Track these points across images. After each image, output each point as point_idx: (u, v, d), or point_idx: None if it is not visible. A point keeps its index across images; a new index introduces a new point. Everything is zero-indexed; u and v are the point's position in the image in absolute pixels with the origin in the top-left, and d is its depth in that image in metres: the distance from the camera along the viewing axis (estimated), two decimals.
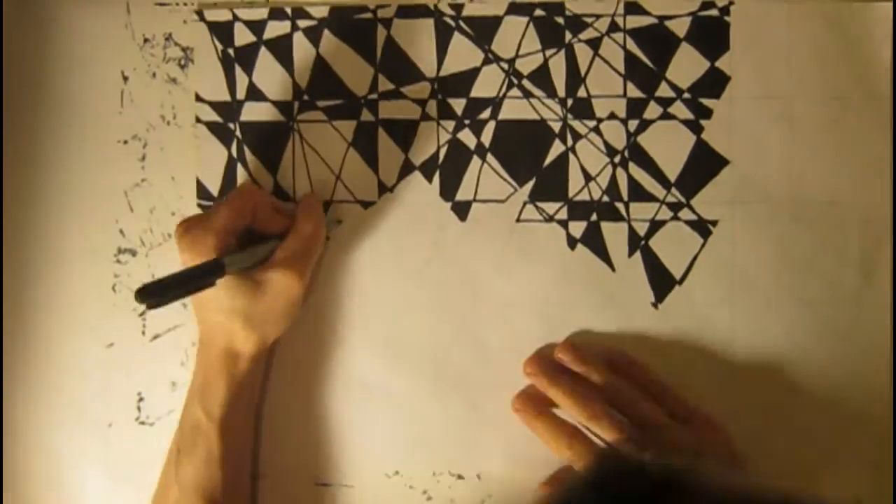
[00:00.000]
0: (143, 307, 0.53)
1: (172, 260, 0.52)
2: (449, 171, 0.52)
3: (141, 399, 0.53)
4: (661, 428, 0.47)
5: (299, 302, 0.48)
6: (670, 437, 0.47)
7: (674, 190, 0.52)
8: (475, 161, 0.52)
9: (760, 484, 0.29)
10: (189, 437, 0.48)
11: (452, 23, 0.52)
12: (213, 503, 0.48)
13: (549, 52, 0.52)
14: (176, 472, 0.48)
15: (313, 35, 0.52)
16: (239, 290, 0.46)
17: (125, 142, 0.53)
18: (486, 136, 0.52)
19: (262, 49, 0.52)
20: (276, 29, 0.52)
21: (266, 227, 0.49)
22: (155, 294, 0.42)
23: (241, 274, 0.46)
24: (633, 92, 0.52)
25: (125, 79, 0.53)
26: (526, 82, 0.52)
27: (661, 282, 0.52)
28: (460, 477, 0.52)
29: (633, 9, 0.52)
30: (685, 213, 0.52)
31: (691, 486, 0.29)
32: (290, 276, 0.47)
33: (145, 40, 0.53)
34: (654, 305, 0.52)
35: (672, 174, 0.52)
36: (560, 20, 0.52)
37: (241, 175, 0.53)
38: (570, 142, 0.52)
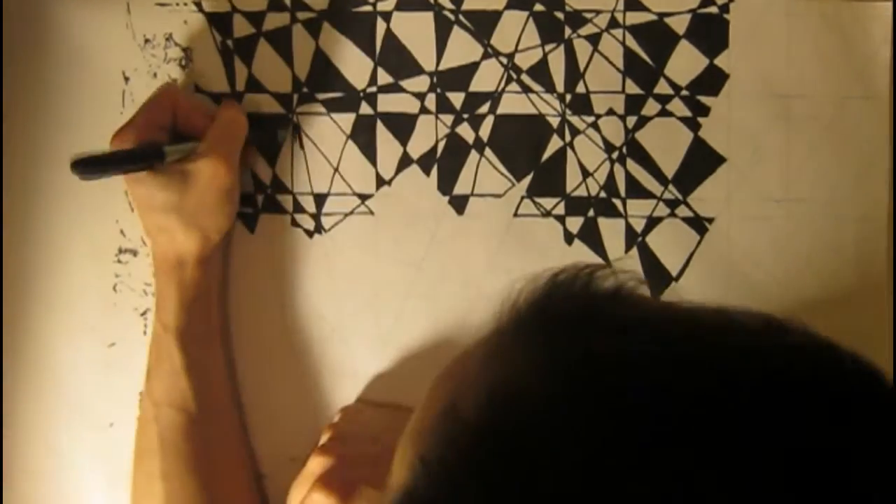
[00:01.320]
0: (145, 307, 0.53)
1: None
2: (447, 164, 0.52)
3: (141, 399, 0.53)
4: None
5: (231, 190, 0.49)
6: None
7: (671, 187, 0.52)
8: (473, 155, 0.52)
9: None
10: (154, 352, 0.49)
11: (452, 17, 0.52)
12: (187, 412, 0.48)
13: (548, 48, 0.52)
14: (148, 389, 0.49)
15: (313, 27, 0.52)
16: (169, 183, 0.47)
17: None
18: (485, 131, 0.52)
19: (262, 41, 0.52)
20: (275, 20, 0.52)
21: (190, 125, 0.49)
22: (91, 166, 0.44)
23: (170, 169, 0.47)
24: (632, 88, 0.52)
25: (126, 79, 0.53)
26: (525, 77, 0.52)
27: (658, 278, 0.52)
28: None
29: (633, 5, 0.52)
30: (682, 210, 0.52)
31: (639, 297, 0.30)
32: (215, 163, 0.47)
33: (146, 41, 0.53)
34: None
35: (669, 171, 0.52)
36: (560, 15, 0.52)
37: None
38: (568, 137, 0.52)
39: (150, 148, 0.46)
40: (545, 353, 0.27)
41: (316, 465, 0.46)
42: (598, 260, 0.52)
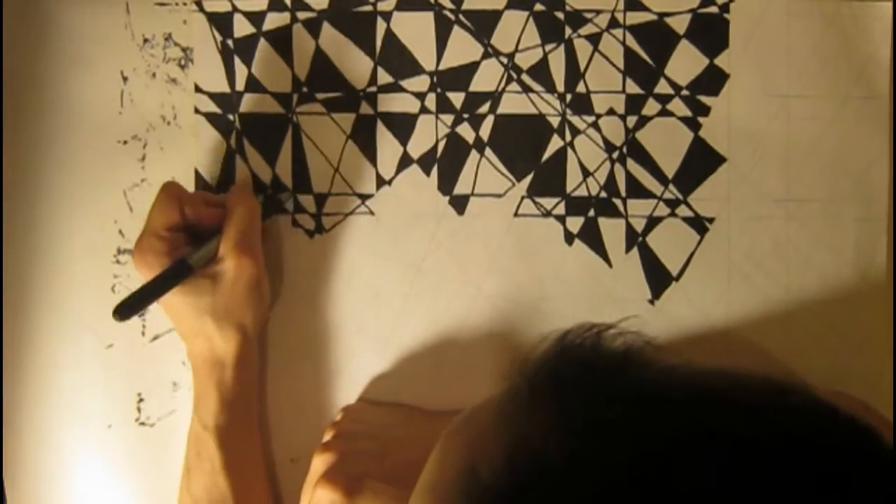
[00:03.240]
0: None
1: None
2: (447, 164, 0.52)
3: (141, 400, 0.53)
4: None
5: (260, 281, 0.49)
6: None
7: (671, 186, 0.52)
8: (473, 155, 0.52)
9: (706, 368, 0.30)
10: (193, 450, 0.49)
11: (452, 16, 0.52)
12: None
13: (548, 47, 0.52)
14: (187, 485, 0.49)
15: (313, 27, 0.52)
16: (198, 288, 0.47)
17: (125, 142, 0.53)
18: (485, 131, 0.52)
19: (262, 40, 0.52)
20: (275, 20, 0.52)
21: (203, 220, 0.49)
22: (134, 308, 0.45)
23: (196, 274, 0.47)
24: (632, 88, 0.52)
25: (125, 79, 0.53)
26: (525, 77, 0.52)
27: (658, 278, 0.52)
28: None
29: (634, 5, 0.52)
30: (682, 210, 0.52)
31: (648, 358, 0.30)
32: (239, 260, 0.47)
33: (145, 40, 0.53)
34: (651, 302, 0.52)
35: (670, 171, 0.52)
36: (560, 15, 0.52)
37: (239, 167, 0.53)
38: (568, 137, 0.52)
39: (177, 267, 0.47)
40: (559, 419, 0.28)
41: (319, 462, 0.46)
42: (598, 260, 0.52)
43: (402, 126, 0.52)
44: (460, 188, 0.52)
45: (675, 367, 0.30)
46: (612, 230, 0.52)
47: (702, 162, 0.52)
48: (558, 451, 0.27)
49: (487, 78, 0.52)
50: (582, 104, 0.52)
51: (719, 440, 0.26)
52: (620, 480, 0.25)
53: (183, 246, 0.48)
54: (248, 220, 0.49)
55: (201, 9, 0.52)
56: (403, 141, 0.52)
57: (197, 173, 0.53)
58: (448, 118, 0.52)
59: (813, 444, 0.26)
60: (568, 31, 0.52)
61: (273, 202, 0.52)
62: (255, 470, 0.51)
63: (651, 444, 0.26)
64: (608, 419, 0.27)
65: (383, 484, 0.43)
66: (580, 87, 0.52)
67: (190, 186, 0.53)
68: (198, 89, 0.53)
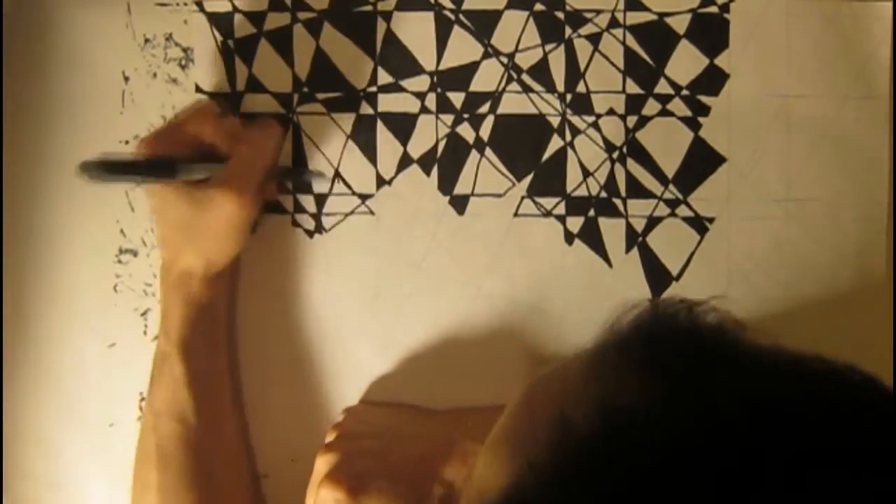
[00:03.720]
0: (145, 307, 0.53)
1: None
2: (447, 164, 0.52)
3: (142, 399, 0.53)
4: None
5: (242, 225, 0.48)
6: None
7: (671, 186, 0.52)
8: (474, 155, 0.52)
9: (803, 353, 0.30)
10: (157, 363, 0.49)
11: (452, 16, 0.52)
12: (186, 423, 0.48)
13: (548, 47, 0.52)
14: (149, 398, 0.49)
15: (313, 27, 0.52)
16: (181, 202, 0.47)
17: (126, 142, 0.53)
18: (485, 131, 0.52)
19: (262, 40, 0.52)
20: (276, 20, 0.52)
21: (221, 146, 0.48)
22: (99, 169, 0.44)
23: (186, 188, 0.47)
24: (632, 88, 0.52)
25: (126, 79, 0.53)
26: (525, 77, 0.52)
27: (658, 278, 0.52)
28: None
29: (634, 5, 0.52)
30: (682, 210, 0.52)
31: (739, 335, 0.31)
32: (227, 196, 0.47)
33: (146, 41, 0.53)
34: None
35: (670, 171, 0.52)
36: (560, 15, 0.52)
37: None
38: (568, 137, 0.52)
39: (162, 161, 0.46)
40: (657, 378, 0.28)
41: (322, 463, 0.46)
42: (598, 260, 0.52)
43: (403, 126, 0.52)
44: (460, 188, 0.52)
45: (770, 345, 0.30)
46: (612, 230, 0.52)
47: (702, 162, 0.52)
48: (656, 411, 0.27)
49: (487, 78, 0.52)
50: (582, 104, 0.52)
51: (812, 410, 0.26)
52: (717, 447, 0.25)
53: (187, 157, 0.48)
54: (255, 159, 0.48)
55: (202, 9, 0.52)
56: (403, 141, 0.52)
57: None
58: (448, 118, 0.52)
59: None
60: (568, 30, 0.52)
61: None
62: (218, 386, 0.50)
63: (751, 414, 0.26)
64: (708, 380, 0.27)
65: (387, 482, 0.43)
66: (580, 87, 0.52)
67: None
68: (198, 89, 0.53)
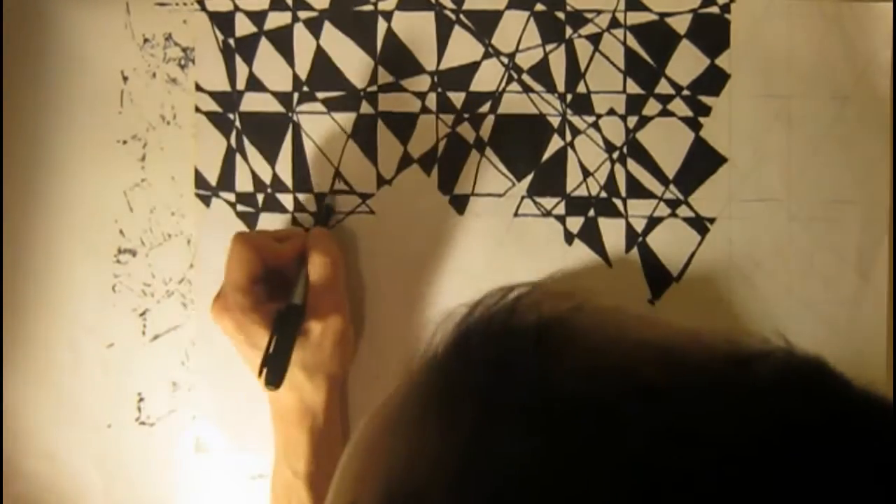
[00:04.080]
0: (144, 307, 0.53)
1: (172, 260, 0.53)
2: (448, 164, 0.52)
3: (141, 399, 0.53)
4: None
5: (346, 334, 0.48)
6: None
7: (672, 187, 0.52)
8: (474, 155, 0.52)
9: (658, 329, 0.23)
10: (283, 497, 0.49)
11: (453, 16, 0.52)
12: None
13: (549, 47, 0.52)
14: None
15: (314, 26, 0.52)
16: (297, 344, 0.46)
17: (125, 142, 0.53)
18: (486, 131, 0.52)
19: (263, 40, 0.52)
20: (276, 19, 0.52)
21: (279, 260, 0.48)
22: (282, 371, 0.44)
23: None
24: (633, 88, 0.52)
25: (125, 79, 0.53)
26: (526, 77, 0.52)
27: (658, 279, 0.52)
28: None
29: (634, 5, 0.52)
30: (683, 210, 0.52)
31: (567, 338, 0.23)
32: (326, 315, 0.47)
33: (145, 40, 0.53)
34: (651, 302, 0.52)
35: (670, 171, 0.52)
36: (561, 15, 0.52)
37: (239, 166, 0.53)
38: (568, 137, 0.52)
39: (292, 314, 0.46)
40: (448, 441, 0.22)
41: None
42: (598, 260, 0.52)
43: (403, 125, 0.52)
44: (460, 188, 0.52)
45: (601, 350, 0.23)
46: (612, 230, 0.52)
47: (702, 162, 0.52)
48: (441, 488, 0.21)
49: (488, 78, 0.52)
50: (582, 104, 0.52)
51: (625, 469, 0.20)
52: None
53: (261, 294, 0.47)
54: (332, 271, 0.48)
55: (203, 7, 0.52)
56: (404, 140, 0.52)
57: (197, 172, 0.53)
58: (448, 118, 0.52)
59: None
60: (569, 31, 0.52)
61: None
62: None
63: (534, 481, 0.20)
64: (500, 443, 0.21)
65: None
66: (581, 88, 0.52)
67: (189, 185, 0.53)
68: (198, 88, 0.53)
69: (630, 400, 0.21)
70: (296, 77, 0.52)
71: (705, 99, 0.52)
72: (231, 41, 0.53)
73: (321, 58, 0.52)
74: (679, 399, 0.21)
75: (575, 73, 0.52)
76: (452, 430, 0.22)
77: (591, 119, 0.52)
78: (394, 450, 0.24)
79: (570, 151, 0.52)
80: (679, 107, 0.52)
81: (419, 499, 0.22)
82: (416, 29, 0.52)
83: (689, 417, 0.20)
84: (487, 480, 0.21)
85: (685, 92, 0.52)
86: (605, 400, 0.21)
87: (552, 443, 0.21)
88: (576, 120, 0.52)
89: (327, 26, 0.52)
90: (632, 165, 0.52)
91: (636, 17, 0.52)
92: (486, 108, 0.52)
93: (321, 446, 0.48)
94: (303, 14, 0.52)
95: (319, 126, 0.52)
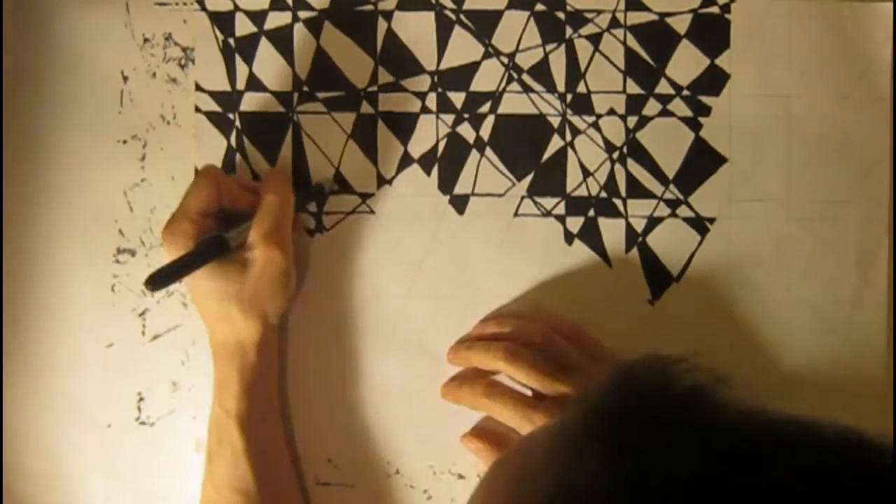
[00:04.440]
0: (143, 307, 0.53)
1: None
2: (448, 164, 0.52)
3: (141, 399, 0.53)
4: (579, 366, 0.48)
5: (288, 274, 0.49)
6: (590, 375, 0.47)
7: (672, 187, 0.52)
8: (474, 155, 0.52)
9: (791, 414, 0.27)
10: (214, 436, 0.49)
11: (453, 16, 0.52)
12: (249, 496, 0.48)
13: (549, 47, 0.52)
14: (210, 473, 0.49)
15: (314, 26, 0.52)
16: (226, 273, 0.47)
17: (125, 142, 0.53)
18: (486, 130, 0.52)
19: (263, 39, 0.52)
20: (276, 19, 0.52)
21: (238, 205, 0.49)
22: (166, 279, 0.45)
23: (224, 259, 0.47)
24: (633, 88, 0.52)
25: (125, 79, 0.53)
26: (526, 77, 0.52)
27: (658, 279, 0.52)
28: (461, 476, 0.52)
29: (634, 5, 0.52)
30: (683, 211, 0.52)
31: (720, 397, 0.28)
32: (270, 250, 0.47)
33: (145, 40, 0.53)
34: (651, 302, 0.52)
35: (670, 171, 0.52)
36: (561, 15, 0.52)
37: (239, 165, 0.53)
38: (568, 137, 0.52)
39: (214, 242, 0.46)
40: (611, 463, 0.26)
41: None
42: (598, 260, 0.52)
43: (403, 125, 0.52)
44: (460, 188, 0.52)
45: (746, 413, 0.28)
46: (612, 230, 0.52)
47: (702, 162, 0.52)
48: (608, 495, 0.25)
49: (488, 78, 0.52)
50: (582, 104, 0.52)
51: (786, 500, 0.24)
52: None
53: (212, 229, 0.48)
54: (280, 209, 0.49)
55: (203, 7, 0.52)
56: (404, 140, 0.52)
57: (197, 172, 0.53)
58: (449, 118, 0.52)
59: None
60: (569, 31, 0.52)
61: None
62: (277, 456, 0.50)
63: (709, 499, 0.24)
64: (665, 467, 0.25)
65: None
66: (581, 87, 0.52)
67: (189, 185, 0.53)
68: (198, 88, 0.53)
69: (779, 447, 0.25)
70: (296, 77, 0.52)
71: (705, 99, 0.52)
72: (231, 41, 0.53)
73: (321, 58, 0.52)
74: (821, 455, 0.25)
75: (575, 73, 0.52)
76: (616, 453, 0.26)
77: (591, 119, 0.52)
78: (558, 463, 0.27)
79: (570, 151, 0.52)
80: (679, 107, 0.52)
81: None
82: (416, 29, 0.52)
83: (830, 472, 0.25)
84: (649, 495, 0.24)
85: (685, 92, 0.52)
86: (760, 442, 0.26)
87: (715, 467, 0.25)
88: (576, 120, 0.52)
89: (327, 26, 0.52)
90: (632, 165, 0.52)
91: (636, 17, 0.52)
92: (486, 108, 0.52)
93: (253, 386, 0.48)
94: (303, 14, 0.52)
95: (320, 126, 0.52)
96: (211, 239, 0.46)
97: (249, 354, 0.48)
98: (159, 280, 0.45)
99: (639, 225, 0.52)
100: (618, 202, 0.52)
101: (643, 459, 0.25)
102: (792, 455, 0.25)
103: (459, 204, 0.52)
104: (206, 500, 0.49)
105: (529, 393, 0.48)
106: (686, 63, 0.52)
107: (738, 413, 0.27)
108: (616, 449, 0.26)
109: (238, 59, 0.53)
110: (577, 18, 0.52)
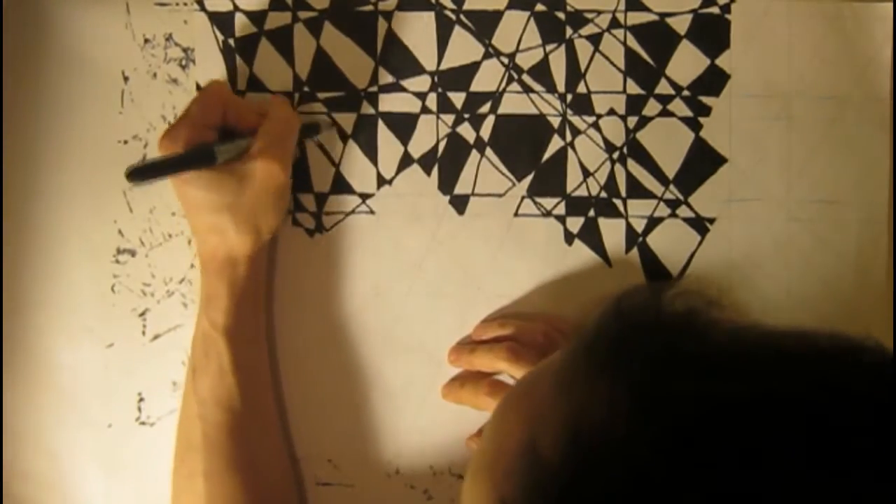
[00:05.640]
0: (144, 307, 0.53)
1: (172, 260, 0.53)
2: (448, 164, 0.52)
3: (141, 399, 0.53)
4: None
5: (285, 190, 0.49)
6: None
7: (672, 187, 0.52)
8: (474, 155, 0.52)
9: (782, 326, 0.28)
10: (200, 350, 0.48)
11: (453, 16, 0.52)
12: (233, 411, 0.48)
13: (549, 48, 0.52)
14: (193, 387, 0.48)
15: (314, 26, 0.52)
16: (223, 184, 0.47)
17: (125, 142, 0.53)
18: (486, 131, 0.52)
19: (263, 40, 0.52)
20: (276, 19, 0.52)
21: (241, 122, 0.49)
22: (145, 173, 0.44)
23: (223, 168, 0.47)
24: (633, 88, 0.52)
25: (125, 79, 0.53)
26: (526, 77, 0.52)
27: (658, 278, 0.52)
28: (461, 477, 0.52)
29: (634, 5, 0.52)
30: (683, 211, 0.52)
31: (714, 317, 0.29)
32: (270, 163, 0.47)
33: (146, 40, 0.53)
34: None
35: (670, 171, 0.52)
36: (561, 15, 0.52)
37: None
38: (569, 137, 0.52)
39: (201, 150, 0.46)
40: (621, 387, 0.27)
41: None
42: (598, 260, 0.52)
43: (403, 126, 0.52)
44: (461, 188, 0.52)
45: (741, 328, 0.29)
46: (612, 230, 0.52)
47: (703, 162, 0.52)
48: (622, 424, 0.26)
49: (488, 78, 0.52)
50: (582, 104, 0.52)
51: (792, 410, 0.25)
52: (687, 462, 0.24)
53: (210, 140, 0.48)
54: (285, 126, 0.49)
55: (203, 8, 0.52)
56: (404, 140, 0.52)
57: None
58: (449, 118, 0.52)
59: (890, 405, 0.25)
60: (569, 31, 0.52)
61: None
62: (262, 373, 0.50)
63: (723, 422, 0.25)
64: (673, 387, 0.26)
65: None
66: (581, 88, 0.52)
67: None
68: (199, 88, 0.53)
69: (776, 360, 0.27)
70: (296, 77, 0.52)
71: (705, 99, 0.52)
72: (231, 41, 0.53)
73: (321, 58, 0.52)
74: (819, 362, 0.26)
75: (575, 73, 0.52)
76: (623, 380, 0.27)
77: (591, 119, 0.52)
78: (569, 400, 0.28)
79: (570, 151, 0.52)
80: (679, 107, 0.52)
81: (604, 432, 0.26)
82: (416, 29, 0.52)
83: (831, 378, 0.26)
84: (668, 415, 0.25)
85: (685, 92, 0.52)
86: (754, 355, 0.27)
87: (714, 389, 0.25)
88: (576, 120, 0.52)
89: (327, 26, 0.52)
90: (632, 165, 0.52)
91: (636, 18, 0.52)
92: (486, 108, 0.52)
93: (242, 301, 0.48)
94: (303, 14, 0.52)
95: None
96: (198, 147, 0.46)
97: (240, 268, 0.48)
98: (139, 174, 0.44)
99: (639, 225, 0.52)
100: (618, 202, 0.52)
101: (644, 386, 0.26)
102: (791, 364, 0.26)
103: (459, 204, 0.52)
104: (187, 412, 0.49)
105: None
106: (686, 63, 0.52)
107: (732, 330, 0.28)
108: (618, 377, 0.27)
109: (238, 60, 0.53)
110: (578, 18, 0.52)
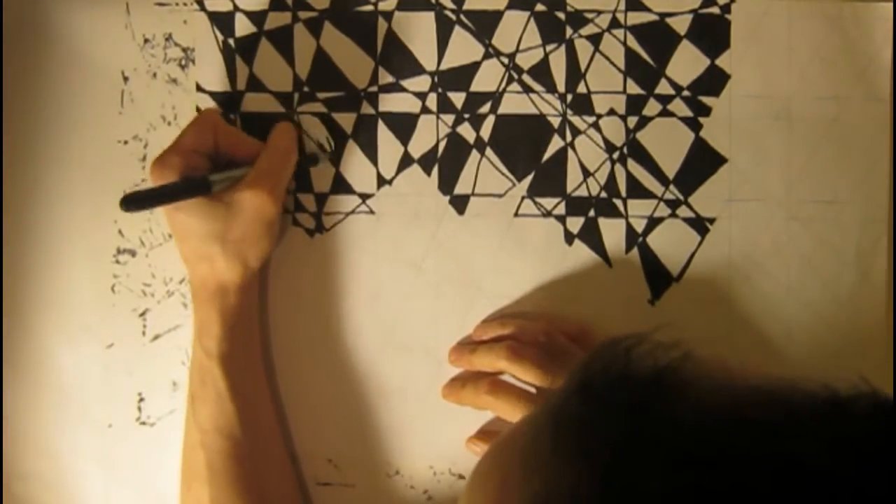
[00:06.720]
0: (144, 307, 0.53)
1: (172, 260, 0.52)
2: (448, 164, 0.52)
3: (141, 399, 0.53)
4: (572, 354, 0.49)
5: (274, 221, 0.48)
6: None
7: (672, 187, 0.52)
8: (474, 155, 0.52)
9: (758, 375, 0.27)
10: (197, 378, 0.49)
11: (453, 16, 0.52)
12: (234, 438, 0.48)
13: (549, 48, 0.52)
14: (193, 415, 0.49)
15: (314, 26, 0.52)
16: (213, 211, 0.47)
17: (125, 142, 0.53)
18: (486, 131, 0.52)
19: (263, 40, 0.52)
20: (276, 20, 0.52)
21: (235, 150, 0.49)
22: (140, 202, 0.45)
23: (213, 198, 0.47)
24: (633, 88, 0.52)
25: (125, 79, 0.53)
26: (526, 77, 0.52)
27: (658, 279, 0.52)
28: (461, 477, 0.52)
29: (635, 5, 0.52)
30: (683, 211, 0.52)
31: (683, 381, 0.27)
32: (260, 194, 0.47)
33: (145, 40, 0.53)
34: (651, 302, 0.52)
35: (670, 171, 0.52)
36: (561, 15, 0.52)
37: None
38: (569, 137, 0.52)
39: (196, 180, 0.46)
40: (590, 480, 0.26)
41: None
42: (598, 260, 0.52)
43: (403, 126, 0.52)
44: (461, 188, 0.52)
45: (714, 391, 0.27)
46: (612, 230, 0.52)
47: (703, 162, 0.52)
48: None
49: (488, 78, 0.52)
50: (583, 104, 0.52)
51: (768, 479, 0.24)
52: None
53: (203, 170, 0.48)
54: (283, 158, 0.49)
55: (203, 8, 0.52)
56: (404, 140, 0.52)
57: None
58: (449, 118, 0.52)
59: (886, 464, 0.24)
60: (569, 31, 0.52)
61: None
62: (260, 397, 0.50)
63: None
64: (640, 481, 0.25)
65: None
66: (581, 88, 0.52)
67: None
68: (199, 88, 0.53)
69: (743, 435, 0.25)
70: (296, 77, 0.52)
71: (705, 99, 0.52)
72: (231, 41, 0.53)
73: (321, 58, 0.52)
74: (788, 435, 0.25)
75: (575, 73, 0.52)
76: (590, 463, 0.26)
77: (591, 119, 0.52)
78: (531, 481, 0.27)
79: (570, 151, 0.52)
80: (679, 107, 0.52)
81: None
82: (416, 29, 0.52)
83: (800, 452, 0.24)
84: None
85: (685, 92, 0.52)
86: (723, 435, 0.25)
87: (683, 477, 0.24)
88: (576, 120, 0.52)
89: (327, 26, 0.52)
90: (632, 166, 0.52)
91: (636, 18, 0.52)
92: (486, 108, 0.52)
93: (235, 328, 0.48)
94: (303, 14, 0.52)
95: (319, 126, 0.52)
96: (195, 177, 0.46)
97: (231, 297, 0.48)
98: (134, 202, 0.44)
99: (639, 225, 0.52)
100: (618, 202, 0.52)
101: (610, 471, 0.25)
102: (766, 445, 0.24)
103: (459, 204, 0.52)
104: (189, 440, 0.49)
105: (533, 391, 0.48)
106: (686, 63, 0.52)
107: (702, 394, 0.27)
108: (583, 458, 0.26)
109: (238, 60, 0.53)
110: (578, 18, 0.52)
